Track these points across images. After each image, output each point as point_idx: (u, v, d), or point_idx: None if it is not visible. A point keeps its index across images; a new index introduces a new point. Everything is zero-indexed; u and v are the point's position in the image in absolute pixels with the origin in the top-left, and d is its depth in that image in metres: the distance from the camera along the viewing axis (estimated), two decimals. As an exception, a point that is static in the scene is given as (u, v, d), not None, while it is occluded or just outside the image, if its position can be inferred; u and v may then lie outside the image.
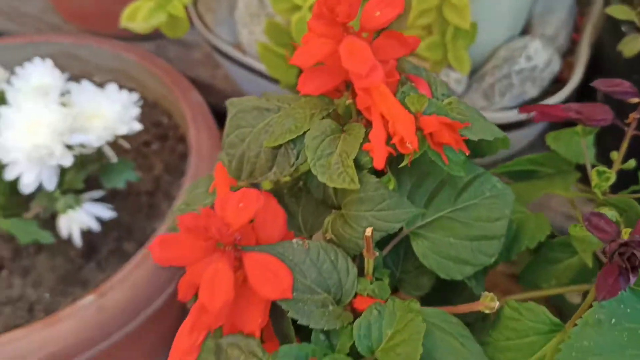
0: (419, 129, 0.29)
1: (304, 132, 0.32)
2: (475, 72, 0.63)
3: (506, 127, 0.60)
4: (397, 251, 0.35)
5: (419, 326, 0.27)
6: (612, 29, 0.59)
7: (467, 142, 0.35)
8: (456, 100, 0.33)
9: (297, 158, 0.33)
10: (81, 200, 0.58)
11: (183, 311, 0.69)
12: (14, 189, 0.59)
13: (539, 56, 0.61)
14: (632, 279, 0.26)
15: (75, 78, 0.64)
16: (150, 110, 0.79)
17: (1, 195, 0.58)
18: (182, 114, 0.73)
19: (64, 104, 0.52)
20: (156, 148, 0.76)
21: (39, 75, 0.53)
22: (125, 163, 0.58)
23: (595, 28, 0.66)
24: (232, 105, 0.36)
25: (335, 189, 0.33)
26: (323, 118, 0.32)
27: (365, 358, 0.29)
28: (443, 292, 0.36)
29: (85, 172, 0.58)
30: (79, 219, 0.57)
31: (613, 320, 0.28)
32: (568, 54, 0.67)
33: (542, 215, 0.37)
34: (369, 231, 0.28)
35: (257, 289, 0.27)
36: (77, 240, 0.58)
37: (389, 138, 0.29)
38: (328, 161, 0.30)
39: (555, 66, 0.62)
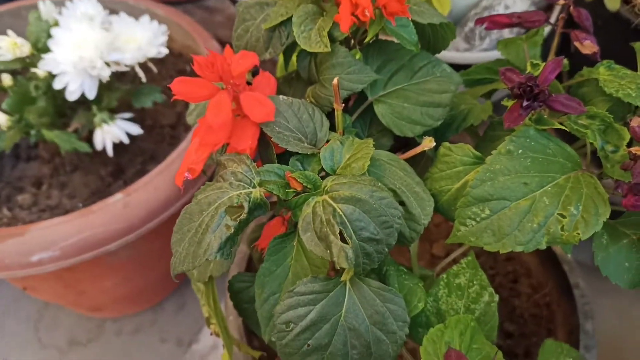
0: (377, 8, 0.38)
1: (293, 17, 0.41)
2: (459, 21, 0.71)
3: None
4: (364, 118, 0.44)
5: (369, 149, 0.36)
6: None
7: (427, 37, 0.44)
8: (414, -4, 0.42)
9: (287, 38, 0.42)
10: (114, 117, 0.68)
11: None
12: (57, 109, 0.70)
13: (517, 6, 0.69)
14: (526, 104, 0.34)
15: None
16: (175, 59, 0.90)
17: (47, 114, 0.68)
18: (203, 61, 0.83)
19: (105, 29, 0.62)
20: (179, 90, 0.86)
21: (85, 6, 0.63)
22: (152, 87, 0.68)
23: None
24: (240, 5, 0.45)
25: (316, 64, 0.42)
26: (308, 3, 0.41)
27: (329, 176, 0.38)
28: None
29: (119, 93, 0.68)
30: (112, 133, 0.67)
31: (520, 151, 0.36)
32: (547, 10, 0.75)
33: (488, 103, 0.46)
34: (335, 80, 0.37)
35: (248, 113, 0.36)
36: (110, 150, 0.68)
37: (354, 14, 0.38)
38: (309, 34, 0.39)
39: (531, 17, 0.70)
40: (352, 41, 0.42)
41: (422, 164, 0.43)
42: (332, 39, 0.40)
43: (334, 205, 0.33)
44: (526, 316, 0.65)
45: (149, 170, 0.77)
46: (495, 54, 0.68)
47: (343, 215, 0.33)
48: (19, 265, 0.62)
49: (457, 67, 0.48)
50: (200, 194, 0.35)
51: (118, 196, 0.65)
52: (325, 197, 0.34)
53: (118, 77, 0.66)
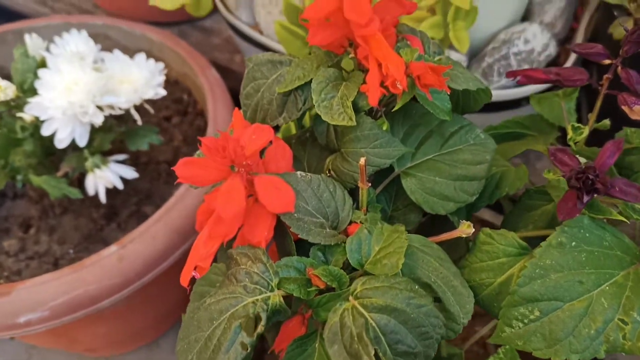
0: (408, 75, 0.33)
1: (311, 80, 0.36)
2: (476, 55, 0.67)
3: (503, 105, 0.64)
4: (389, 191, 0.39)
5: (402, 242, 0.32)
6: (607, 16, 0.62)
7: (456, 97, 0.40)
8: (446, 58, 0.38)
9: (304, 104, 0.37)
10: (107, 161, 0.63)
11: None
12: (45, 150, 0.65)
13: (537, 40, 0.65)
14: (587, 199, 0.30)
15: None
16: (172, 87, 0.85)
17: (34, 156, 0.63)
18: (201, 91, 0.79)
19: (97, 70, 0.57)
20: (176, 122, 0.81)
21: (76, 43, 0.58)
22: (149, 128, 0.63)
23: (592, 17, 0.70)
24: (250, 61, 0.41)
25: (336, 132, 0.38)
26: (328, 67, 0.36)
27: (355, 271, 0.33)
28: (430, 231, 0.40)
29: (113, 135, 0.63)
30: (105, 177, 0.62)
31: (573, 243, 0.32)
32: (566, 41, 0.71)
33: (523, 167, 0.41)
34: (362, 160, 0.33)
35: (265, 202, 0.32)
36: (103, 197, 0.63)
37: (382, 83, 0.34)
38: (330, 103, 0.35)
39: (552, 50, 0.66)
40: (376, 107, 0.38)
41: (455, 245, 0.39)
42: (355, 109, 0.35)
43: (366, 315, 0.29)
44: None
45: (144, 211, 0.72)
46: (516, 92, 0.64)
47: (377, 328, 0.29)
48: (4, 327, 0.57)
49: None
50: (210, 297, 0.30)
51: (112, 248, 0.60)
52: (355, 303, 0.30)
53: (111, 117, 0.61)
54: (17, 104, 0.58)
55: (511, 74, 0.43)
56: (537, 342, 0.31)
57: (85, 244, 0.70)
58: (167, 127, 0.81)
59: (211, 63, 0.83)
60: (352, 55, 0.37)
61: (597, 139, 0.42)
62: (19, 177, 0.63)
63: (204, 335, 0.30)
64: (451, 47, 0.64)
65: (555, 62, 0.68)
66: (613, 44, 0.58)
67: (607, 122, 0.41)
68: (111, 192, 0.69)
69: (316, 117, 0.39)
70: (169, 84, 0.85)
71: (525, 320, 0.31)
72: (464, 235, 0.34)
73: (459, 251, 0.39)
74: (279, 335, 0.34)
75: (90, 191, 0.64)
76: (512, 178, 0.41)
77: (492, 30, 0.67)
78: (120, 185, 0.63)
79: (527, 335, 0.31)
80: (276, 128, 0.49)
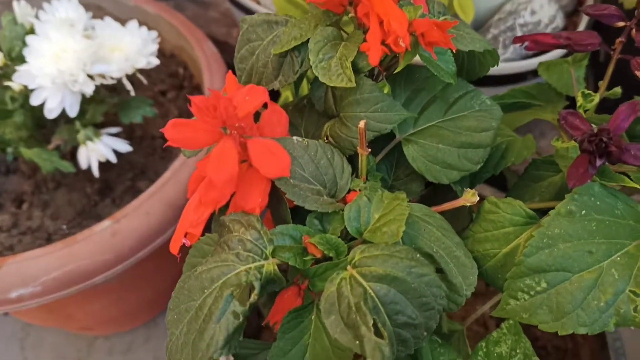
0: (412, 33, 0.31)
1: (308, 40, 0.34)
2: (481, 27, 0.65)
3: (509, 78, 0.62)
4: (390, 159, 0.37)
5: (403, 209, 0.30)
6: (616, -14, 0.60)
7: (461, 60, 0.38)
8: (451, 18, 0.36)
9: (301, 65, 0.35)
10: (100, 134, 0.61)
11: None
12: (37, 122, 0.63)
13: (544, 11, 0.62)
14: (599, 162, 0.28)
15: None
16: (167, 61, 0.83)
17: (25, 128, 0.61)
18: (197, 65, 0.76)
19: (87, 37, 0.55)
20: (172, 96, 0.79)
21: (65, 9, 0.56)
22: (142, 99, 0.61)
23: (601, -11, 0.67)
24: (244, 22, 0.39)
25: (334, 96, 0.36)
26: (327, 26, 0.34)
27: (354, 240, 0.32)
28: (432, 202, 0.38)
29: (105, 107, 0.61)
30: (97, 151, 0.60)
31: (583, 212, 0.30)
32: (573, 14, 0.69)
33: (530, 136, 0.40)
34: (362, 124, 0.31)
35: (259, 166, 0.30)
36: (96, 170, 0.62)
37: (384, 42, 0.32)
38: (329, 63, 0.33)
39: (560, 22, 0.64)
40: (377, 69, 0.36)
41: (458, 215, 0.37)
42: (355, 70, 0.33)
43: (365, 284, 0.27)
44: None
45: (139, 186, 0.70)
46: (522, 65, 0.61)
47: (376, 298, 0.27)
48: (-5, 302, 0.56)
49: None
50: (202, 266, 0.29)
51: (105, 223, 0.58)
52: (353, 272, 0.28)
53: (103, 87, 0.59)
54: (5, 73, 0.56)
55: (519, 40, 0.41)
56: (543, 315, 0.30)
57: (79, 219, 0.68)
58: (163, 102, 0.78)
59: (208, 37, 0.81)
60: (351, 14, 0.35)
61: (606, 109, 0.40)
62: (9, 150, 0.62)
63: (195, 305, 0.28)
64: (455, 16, 0.61)
65: (563, 34, 0.65)
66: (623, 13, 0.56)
67: (618, 89, 0.39)
68: (105, 166, 0.67)
69: (314, 82, 0.37)
70: (164, 57, 0.82)
71: (532, 292, 0.30)
72: (467, 204, 0.32)
73: (462, 222, 0.38)
74: (273, 306, 0.32)
75: (83, 165, 0.62)
76: (518, 147, 0.39)
77: (498, 0, 0.64)
78: (113, 159, 0.62)
79: (533, 308, 0.30)
80: (275, 96, 0.47)
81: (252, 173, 0.31)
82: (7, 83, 0.55)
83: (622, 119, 0.29)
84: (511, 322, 0.36)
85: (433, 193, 0.39)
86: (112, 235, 0.58)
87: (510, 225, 0.32)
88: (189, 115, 0.78)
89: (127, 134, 0.73)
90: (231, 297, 0.27)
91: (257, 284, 0.27)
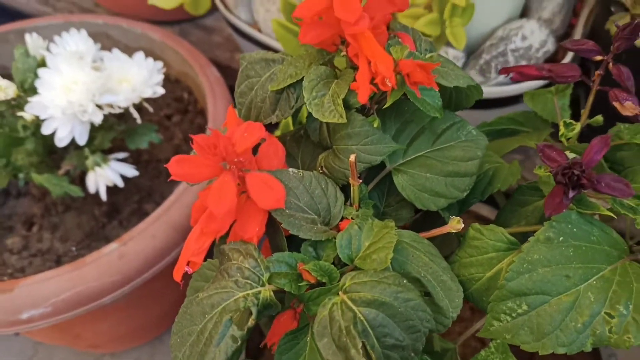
0: (398, 72, 0.34)
1: (303, 78, 0.37)
2: (473, 52, 0.67)
3: (501, 102, 0.64)
4: (381, 187, 0.40)
5: (391, 237, 0.32)
6: (605, 11, 0.62)
7: (448, 94, 0.40)
8: (437, 55, 0.38)
9: (296, 101, 0.38)
10: (108, 159, 0.64)
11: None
12: (47, 148, 0.65)
13: (534, 36, 0.65)
14: (572, 194, 0.30)
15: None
16: (172, 86, 0.85)
17: (36, 155, 0.64)
18: (201, 90, 0.79)
19: (96, 69, 0.58)
20: (177, 120, 0.82)
21: (75, 42, 0.59)
22: (148, 126, 0.64)
23: (591, 13, 0.70)
24: (243, 59, 0.41)
25: (328, 129, 0.38)
26: (320, 65, 0.37)
27: (346, 266, 0.34)
28: (423, 227, 0.40)
29: (112, 134, 0.64)
30: (105, 176, 0.63)
31: (561, 238, 0.32)
32: (564, 37, 0.71)
33: (515, 163, 0.41)
34: (352, 157, 0.33)
35: (256, 199, 0.32)
36: (103, 195, 0.64)
37: (372, 80, 0.34)
38: (322, 100, 0.35)
39: (550, 47, 0.66)
40: (367, 105, 0.38)
41: (447, 239, 0.39)
42: (347, 106, 0.36)
43: (355, 309, 0.29)
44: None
45: (145, 208, 0.73)
46: (513, 89, 0.64)
47: (365, 322, 0.29)
48: (7, 323, 0.58)
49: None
50: (203, 292, 0.31)
51: (113, 246, 0.61)
52: (344, 297, 0.30)
53: (111, 115, 0.61)
54: (18, 103, 0.59)
55: (505, 71, 0.44)
56: (524, 336, 0.32)
57: (88, 241, 0.71)
58: (168, 126, 0.81)
59: (212, 61, 0.84)
60: (343, 53, 0.38)
61: (592, 135, 0.42)
62: (21, 176, 0.64)
63: (197, 329, 0.30)
64: (448, 44, 0.64)
65: (554, 58, 0.68)
66: (611, 40, 0.58)
67: (599, 118, 0.41)
68: (112, 190, 0.70)
69: (309, 115, 0.40)
70: (169, 82, 0.85)
71: (513, 314, 0.32)
72: (453, 231, 0.34)
73: (450, 246, 0.40)
74: (271, 329, 0.34)
75: (91, 189, 0.65)
76: (504, 174, 0.41)
77: (490, 26, 0.67)
78: (120, 183, 0.64)
79: (515, 329, 0.32)
80: (275, 125, 0.49)
81: (250, 204, 0.34)
82: (19, 113, 0.58)
83: (595, 152, 0.31)
84: (499, 341, 0.38)
85: (424, 219, 0.41)
86: (119, 257, 0.60)
87: (493, 251, 0.34)
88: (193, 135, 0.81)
89: (134, 158, 0.75)
90: (230, 322, 0.29)
91: (254, 310, 0.29)
